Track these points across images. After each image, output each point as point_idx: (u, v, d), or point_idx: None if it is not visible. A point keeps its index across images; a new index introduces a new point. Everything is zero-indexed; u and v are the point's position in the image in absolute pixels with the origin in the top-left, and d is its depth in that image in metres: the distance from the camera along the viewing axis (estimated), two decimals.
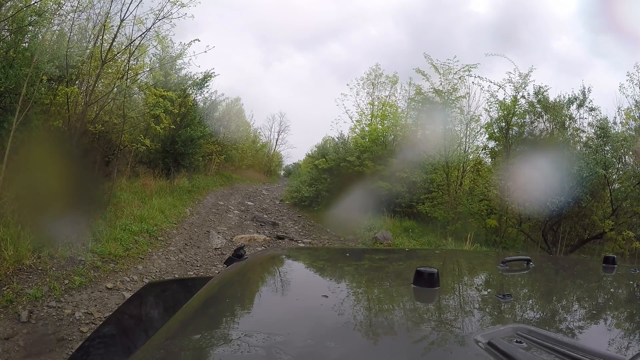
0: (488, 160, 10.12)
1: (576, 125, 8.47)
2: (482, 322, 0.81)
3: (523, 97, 8.51)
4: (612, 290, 1.23)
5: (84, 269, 4.07)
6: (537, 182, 7.22)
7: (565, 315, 0.89)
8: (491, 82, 8.70)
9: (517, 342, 0.63)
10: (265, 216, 9.56)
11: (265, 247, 6.80)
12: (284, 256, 1.52)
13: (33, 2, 4.95)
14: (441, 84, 9.16)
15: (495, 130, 8.96)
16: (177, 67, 9.31)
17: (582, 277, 1.41)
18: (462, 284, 1.19)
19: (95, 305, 3.61)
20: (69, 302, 3.53)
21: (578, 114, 8.41)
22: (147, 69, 7.63)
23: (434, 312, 0.85)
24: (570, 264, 1.88)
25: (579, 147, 8.21)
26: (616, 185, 7.74)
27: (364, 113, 12.33)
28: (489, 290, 1.10)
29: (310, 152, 17.83)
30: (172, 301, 1.29)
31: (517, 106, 8.48)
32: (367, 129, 11.59)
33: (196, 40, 7.46)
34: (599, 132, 7.72)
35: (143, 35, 6.42)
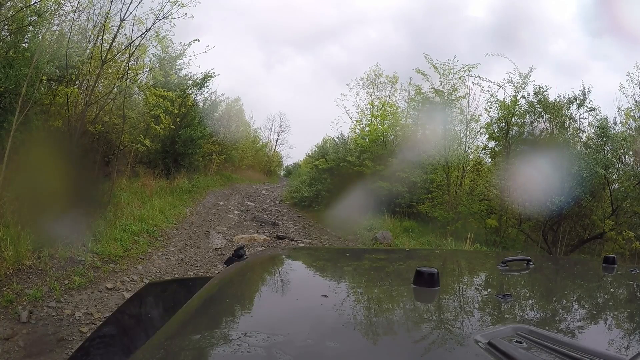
0: (488, 160, 10.12)
1: (576, 125, 8.46)
2: (482, 322, 0.80)
3: (523, 97, 8.51)
4: (612, 290, 1.22)
5: (84, 269, 4.07)
6: (537, 182, 7.21)
7: (565, 315, 0.89)
8: (491, 82, 8.71)
9: (517, 342, 0.63)
10: (265, 216, 9.56)
11: (265, 247, 6.80)
12: (284, 256, 1.52)
13: (33, 2, 4.95)
14: (441, 84, 9.16)
15: (495, 130, 8.95)
16: (177, 67, 9.30)
17: (582, 277, 1.41)
18: (462, 284, 1.19)
19: (95, 306, 3.61)
20: (69, 303, 3.53)
21: (578, 114, 8.40)
22: (147, 69, 7.62)
23: (434, 312, 0.85)
24: (570, 264, 1.88)
25: (579, 147, 8.19)
26: (616, 185, 7.72)
27: (364, 113, 12.31)
28: (489, 290, 1.10)
29: (310, 152, 17.84)
30: (172, 301, 1.29)
31: (517, 106, 8.47)
32: (367, 129, 11.57)
33: (196, 40, 7.41)
34: (599, 132, 7.71)
35: (143, 36, 6.42)
